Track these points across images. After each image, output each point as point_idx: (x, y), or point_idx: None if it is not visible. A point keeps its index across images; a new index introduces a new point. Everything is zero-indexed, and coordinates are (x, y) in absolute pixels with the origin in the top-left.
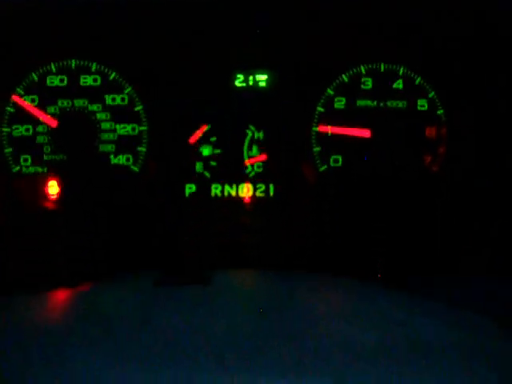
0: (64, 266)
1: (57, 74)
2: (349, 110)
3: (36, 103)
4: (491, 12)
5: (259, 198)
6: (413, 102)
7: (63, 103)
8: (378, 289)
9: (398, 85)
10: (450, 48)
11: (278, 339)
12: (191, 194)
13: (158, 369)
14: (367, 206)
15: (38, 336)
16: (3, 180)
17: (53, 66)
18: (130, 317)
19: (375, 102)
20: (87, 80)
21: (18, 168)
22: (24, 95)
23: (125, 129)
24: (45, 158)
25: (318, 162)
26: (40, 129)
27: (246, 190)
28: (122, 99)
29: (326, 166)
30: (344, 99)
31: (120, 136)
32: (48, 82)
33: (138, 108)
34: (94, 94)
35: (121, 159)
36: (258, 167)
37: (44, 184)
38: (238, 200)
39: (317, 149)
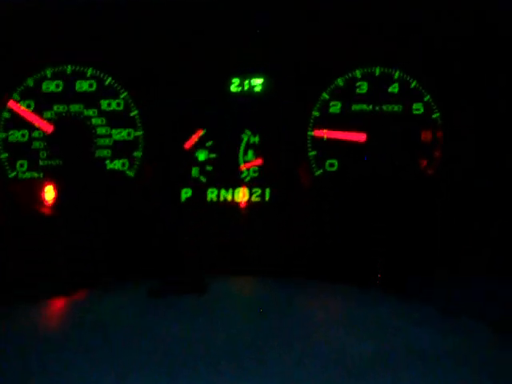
0: (62, 269)
1: (52, 79)
2: (344, 114)
3: (32, 108)
4: (491, 12)
5: (255, 202)
6: (408, 105)
7: (59, 108)
8: (375, 296)
9: (394, 89)
10: (449, 48)
11: (276, 348)
12: (187, 199)
13: (157, 378)
14: (363, 210)
15: (35, 345)
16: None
17: (48, 72)
18: (127, 326)
19: (371, 106)
20: (83, 85)
21: (14, 173)
22: (20, 100)
23: (120, 134)
24: (41, 163)
25: (313, 166)
26: (36, 134)
27: (241, 195)
28: (118, 104)
29: (321, 171)
30: (339, 103)
31: (116, 141)
32: (44, 87)
33: (134, 113)
34: (90, 100)
35: (116, 164)
36: (254, 172)
37: (40, 189)
38: (234, 205)
39: (312, 153)
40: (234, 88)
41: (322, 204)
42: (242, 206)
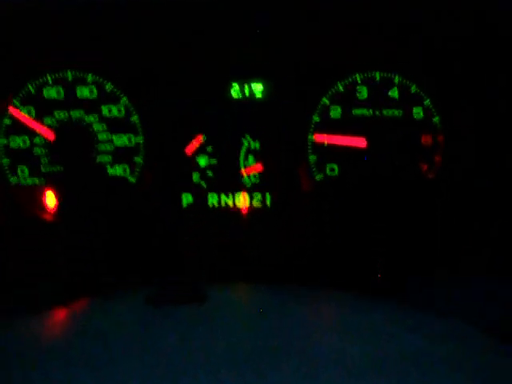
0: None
1: (53, 85)
2: (344, 118)
3: (33, 115)
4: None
5: (256, 207)
6: (408, 110)
7: (60, 115)
8: (372, 302)
9: (394, 93)
10: (448, 49)
11: (274, 358)
12: (188, 204)
13: None
14: (364, 214)
15: (35, 355)
16: (1, 191)
17: (49, 78)
18: (127, 336)
19: (371, 111)
20: (83, 91)
21: (15, 179)
22: (20, 107)
23: (121, 140)
24: (42, 169)
25: (314, 171)
26: (37, 140)
27: (242, 200)
28: (119, 110)
29: (322, 175)
30: (339, 108)
31: (116, 147)
32: (44, 93)
33: (134, 119)
34: (91, 105)
35: (117, 170)
36: (255, 177)
37: (42, 195)
38: (235, 210)
39: (313, 158)
40: (234, 93)
41: (323, 208)
42: (243, 210)
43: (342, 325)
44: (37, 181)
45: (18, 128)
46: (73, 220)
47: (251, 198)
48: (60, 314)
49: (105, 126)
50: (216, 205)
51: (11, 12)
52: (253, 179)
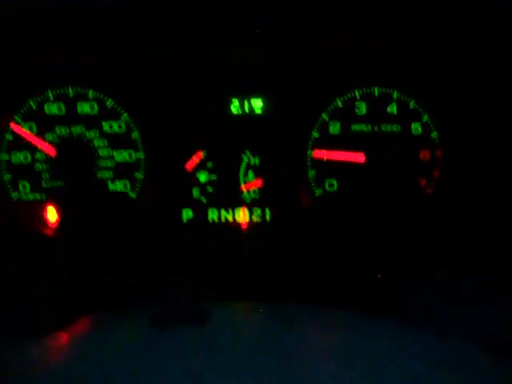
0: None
1: (54, 101)
2: (343, 134)
3: (34, 130)
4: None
5: (256, 222)
6: (407, 125)
7: (61, 130)
8: (372, 321)
9: (392, 109)
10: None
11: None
12: (188, 220)
13: None
14: (363, 229)
15: (37, 379)
16: (3, 207)
17: (50, 94)
18: (129, 360)
19: (369, 126)
20: (84, 107)
21: (17, 195)
22: (22, 123)
23: (122, 155)
24: (43, 184)
25: (313, 186)
26: (38, 156)
27: (242, 215)
28: (119, 126)
29: (321, 191)
30: (339, 124)
31: (117, 163)
32: (46, 109)
33: (135, 135)
34: (91, 121)
35: (118, 185)
36: (254, 192)
37: (43, 211)
38: (235, 225)
39: (312, 173)
40: (234, 109)
41: (322, 224)
42: (243, 226)
43: (341, 349)
44: (38, 196)
45: (20, 144)
46: (74, 235)
47: (251, 213)
48: (61, 339)
49: (106, 142)
50: (216, 220)
51: (14, 28)
52: (252, 194)
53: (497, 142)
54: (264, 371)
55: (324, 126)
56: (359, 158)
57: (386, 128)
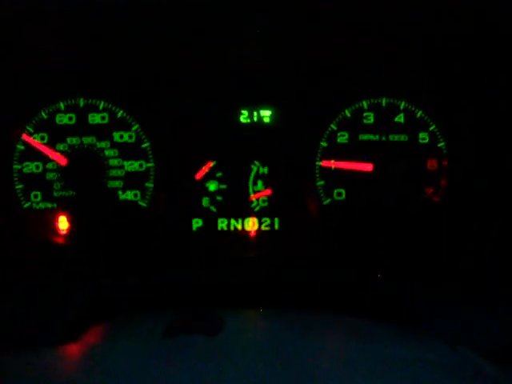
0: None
1: (65, 112)
2: (352, 144)
3: (45, 141)
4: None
5: (264, 231)
6: (414, 135)
7: (72, 141)
8: (378, 328)
9: (400, 119)
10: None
11: None
12: (198, 229)
13: None
14: (371, 237)
15: None
16: (15, 216)
17: (62, 105)
18: (139, 372)
19: (377, 136)
20: (95, 118)
21: (28, 204)
22: (33, 133)
23: (132, 165)
24: (55, 194)
25: (321, 195)
26: (50, 166)
27: (251, 224)
28: (130, 136)
29: (329, 200)
30: (347, 134)
31: (128, 172)
32: (57, 119)
33: (145, 145)
34: (102, 132)
35: (129, 195)
36: (264, 201)
37: (54, 220)
38: (244, 234)
39: (320, 183)
40: (243, 119)
41: (331, 232)
42: (252, 235)
43: (349, 357)
44: (49, 205)
45: (32, 154)
46: (84, 243)
47: (260, 223)
48: (72, 350)
49: (116, 152)
50: (225, 229)
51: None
52: (261, 203)
53: (500, 144)
54: (276, 380)
55: (332, 136)
56: (367, 167)
57: (394, 138)
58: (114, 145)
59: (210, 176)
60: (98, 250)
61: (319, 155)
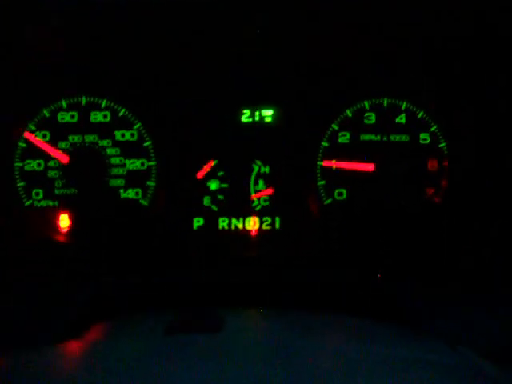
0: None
1: (67, 110)
2: (353, 144)
3: (47, 139)
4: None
5: (265, 230)
6: (415, 135)
7: (74, 139)
8: (380, 328)
9: (401, 119)
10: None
11: None
12: (199, 227)
13: None
14: (372, 237)
15: None
16: (16, 213)
17: (64, 103)
18: (141, 370)
19: (379, 136)
20: (97, 116)
21: (30, 202)
22: (35, 131)
23: (134, 164)
24: (56, 192)
25: (323, 195)
26: (51, 164)
27: (252, 223)
28: (132, 135)
29: (330, 200)
30: (348, 134)
31: (129, 171)
32: (59, 118)
33: (147, 143)
34: (104, 130)
35: (130, 193)
36: (265, 201)
37: (55, 218)
38: (245, 233)
39: (322, 182)
40: (244, 119)
41: (332, 232)
42: (253, 234)
43: (349, 357)
44: (51, 203)
45: (33, 151)
46: (85, 241)
47: (261, 222)
48: (74, 347)
49: (118, 151)
50: (226, 228)
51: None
52: (262, 203)
53: (501, 145)
54: (276, 379)
55: (334, 136)
56: (368, 167)
57: (395, 138)
58: (115, 143)
59: (211, 175)
60: (99, 249)
61: (320, 155)
